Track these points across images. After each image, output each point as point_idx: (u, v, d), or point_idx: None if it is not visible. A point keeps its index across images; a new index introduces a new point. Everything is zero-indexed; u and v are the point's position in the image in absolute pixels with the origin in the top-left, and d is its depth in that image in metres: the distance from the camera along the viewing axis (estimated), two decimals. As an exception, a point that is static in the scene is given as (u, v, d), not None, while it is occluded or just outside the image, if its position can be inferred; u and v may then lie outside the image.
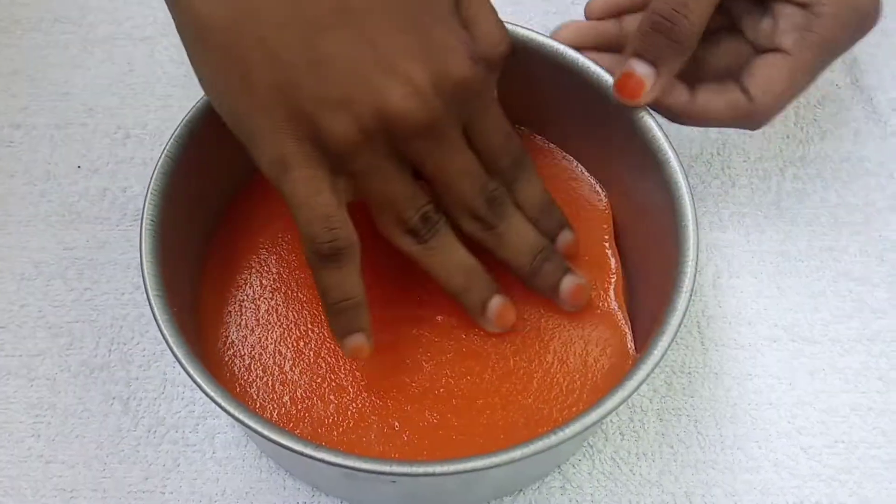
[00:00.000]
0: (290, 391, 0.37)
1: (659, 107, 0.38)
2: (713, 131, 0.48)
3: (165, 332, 0.33)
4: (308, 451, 0.31)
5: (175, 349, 0.33)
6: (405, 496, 0.38)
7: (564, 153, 0.43)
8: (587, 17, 0.42)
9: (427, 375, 0.37)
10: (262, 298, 0.39)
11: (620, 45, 0.41)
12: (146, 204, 0.35)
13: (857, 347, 0.43)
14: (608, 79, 0.38)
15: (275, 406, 0.37)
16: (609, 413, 0.32)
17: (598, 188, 0.42)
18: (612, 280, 0.40)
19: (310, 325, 0.39)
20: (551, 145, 0.43)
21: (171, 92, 0.49)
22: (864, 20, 0.37)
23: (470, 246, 0.36)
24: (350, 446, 0.36)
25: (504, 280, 0.38)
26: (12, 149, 0.48)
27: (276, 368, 0.38)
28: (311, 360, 0.38)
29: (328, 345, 0.38)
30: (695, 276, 0.34)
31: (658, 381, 0.42)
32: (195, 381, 0.32)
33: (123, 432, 0.41)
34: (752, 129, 0.39)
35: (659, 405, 0.42)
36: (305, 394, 0.37)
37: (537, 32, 0.39)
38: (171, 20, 0.34)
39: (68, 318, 0.44)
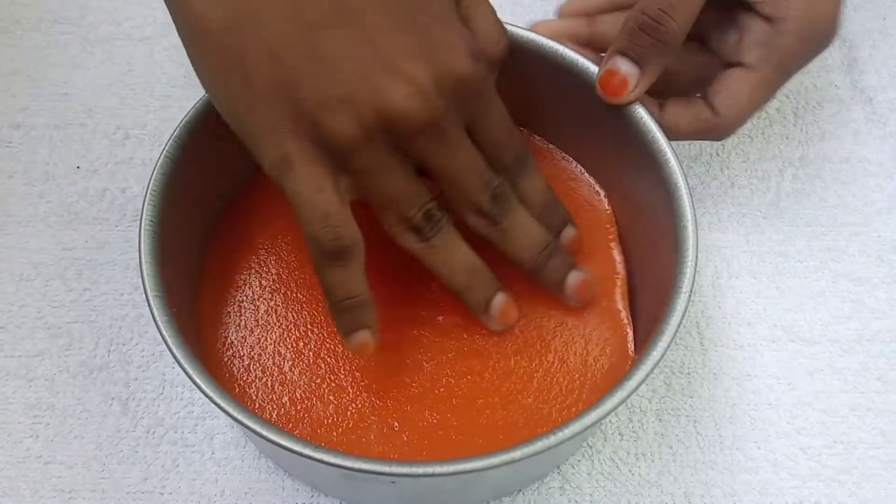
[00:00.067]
0: (289, 392, 0.37)
1: None
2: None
3: (164, 332, 0.33)
4: (307, 451, 0.31)
5: (174, 350, 0.33)
6: (404, 497, 0.38)
7: (564, 154, 0.43)
8: (560, 17, 0.43)
9: (427, 375, 0.37)
10: (261, 299, 0.39)
11: (592, 44, 0.41)
12: (145, 205, 0.35)
13: (856, 348, 0.43)
14: None
15: (274, 407, 0.37)
16: (608, 413, 0.32)
17: (597, 188, 0.42)
18: (618, 281, 0.40)
19: (309, 326, 0.39)
20: (550, 146, 0.43)
21: (171, 92, 0.49)
22: (822, 39, 0.38)
23: (473, 244, 0.36)
24: (349, 447, 0.36)
25: (506, 279, 0.38)
26: (11, 149, 0.48)
27: (276, 369, 0.38)
28: (311, 361, 0.38)
29: (328, 345, 0.38)
30: (694, 276, 0.34)
31: (657, 382, 0.42)
32: (194, 382, 0.32)
33: (122, 433, 0.41)
34: (718, 140, 0.40)
35: (658, 405, 0.42)
36: (305, 394, 0.37)
37: (536, 33, 0.39)
38: (171, 21, 0.34)
39: (67, 318, 0.44)
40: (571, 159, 0.42)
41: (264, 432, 0.31)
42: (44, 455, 0.41)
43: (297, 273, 0.40)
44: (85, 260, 0.45)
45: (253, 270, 0.40)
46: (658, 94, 0.39)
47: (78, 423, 0.41)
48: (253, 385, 0.37)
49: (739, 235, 0.45)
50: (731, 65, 0.38)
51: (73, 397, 0.42)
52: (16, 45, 0.51)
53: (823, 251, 0.45)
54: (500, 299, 0.37)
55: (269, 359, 0.38)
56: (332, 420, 0.36)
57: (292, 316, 0.39)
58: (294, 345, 0.38)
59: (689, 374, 0.42)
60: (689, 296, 0.34)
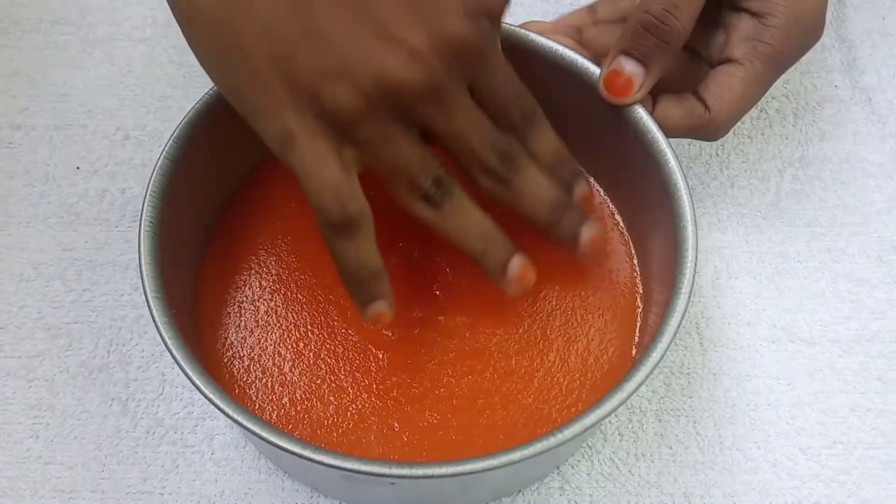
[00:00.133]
0: (289, 392, 0.37)
1: None
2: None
3: (164, 334, 0.33)
4: (307, 453, 0.31)
5: (174, 351, 0.33)
6: (404, 498, 0.38)
7: None
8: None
9: (428, 375, 0.37)
10: (261, 300, 0.39)
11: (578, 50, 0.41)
12: (144, 205, 0.35)
13: (855, 348, 0.43)
14: None
15: (274, 407, 0.37)
16: (608, 415, 0.32)
17: (597, 188, 0.42)
18: (626, 281, 0.40)
19: (309, 327, 0.39)
20: None
21: (171, 93, 0.49)
22: (809, 36, 0.39)
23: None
24: (350, 448, 0.36)
25: None
26: (11, 150, 0.48)
27: (276, 370, 0.38)
28: (311, 362, 0.38)
29: (328, 346, 0.38)
30: (693, 277, 0.34)
31: (657, 382, 0.42)
32: (194, 384, 0.32)
33: (122, 433, 0.41)
34: (711, 139, 0.39)
35: (658, 406, 0.42)
36: (305, 395, 0.37)
37: (535, 33, 0.39)
38: (171, 21, 0.34)
39: (67, 319, 0.44)
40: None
41: (264, 434, 0.31)
42: (44, 455, 0.41)
43: (297, 274, 0.40)
44: (85, 260, 0.45)
45: (253, 271, 0.40)
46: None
47: (78, 424, 0.41)
48: (253, 386, 0.37)
49: (739, 236, 0.45)
50: (720, 63, 0.38)
51: (73, 398, 0.42)
52: (15, 45, 0.51)
53: (823, 251, 0.45)
54: (516, 262, 0.36)
55: (269, 360, 0.38)
56: (333, 421, 0.37)
57: (292, 317, 0.39)
58: (294, 345, 0.38)
59: (688, 374, 0.42)
60: (689, 297, 0.34)
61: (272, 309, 0.39)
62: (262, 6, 0.31)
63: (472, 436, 0.36)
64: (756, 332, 0.43)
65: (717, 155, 0.48)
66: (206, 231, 0.40)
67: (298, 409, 0.37)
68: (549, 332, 0.38)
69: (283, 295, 0.39)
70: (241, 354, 0.38)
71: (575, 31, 0.42)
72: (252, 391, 0.37)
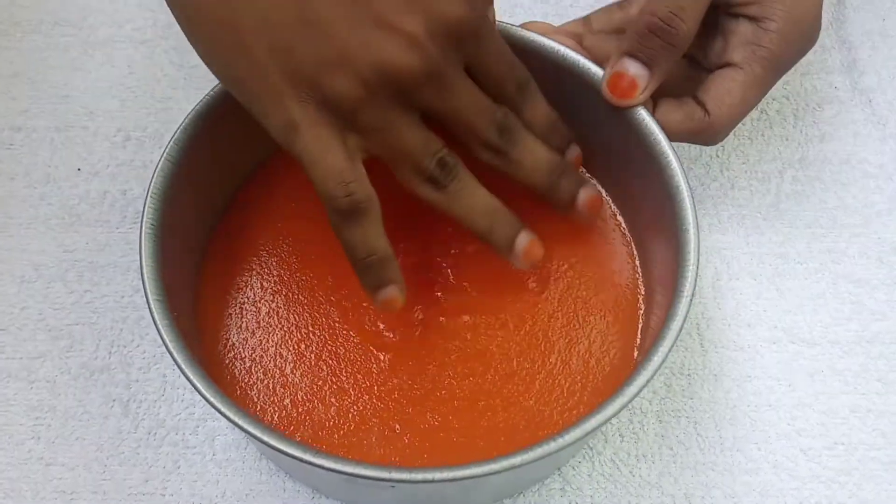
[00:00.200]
0: (290, 394, 0.37)
1: None
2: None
3: (165, 337, 0.33)
4: (307, 457, 0.31)
5: (175, 354, 0.33)
6: (404, 500, 0.38)
7: None
8: None
9: (429, 377, 0.37)
10: (262, 301, 0.39)
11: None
12: (146, 207, 0.35)
13: (856, 349, 0.43)
14: None
15: (276, 409, 0.37)
16: (609, 419, 0.32)
17: (599, 189, 0.42)
18: (629, 283, 0.40)
19: (311, 328, 0.39)
20: None
21: (171, 94, 0.49)
22: (807, 39, 0.39)
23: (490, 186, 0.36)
24: (351, 449, 0.36)
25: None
26: (12, 151, 0.48)
27: (277, 371, 0.38)
28: (313, 363, 0.38)
29: (329, 347, 0.38)
30: (695, 281, 0.34)
31: (657, 383, 0.42)
32: (196, 387, 0.32)
33: (123, 434, 0.41)
34: (711, 143, 0.39)
35: (658, 407, 0.42)
36: (306, 396, 0.37)
37: (536, 34, 0.39)
38: (172, 23, 0.34)
39: (68, 320, 0.44)
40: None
41: (265, 437, 0.31)
42: (45, 457, 0.41)
43: (298, 275, 0.40)
44: (86, 262, 0.45)
45: (254, 272, 0.40)
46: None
47: (79, 425, 0.41)
48: (254, 387, 0.37)
49: (739, 237, 0.45)
50: (718, 67, 0.38)
51: (75, 399, 0.42)
52: (16, 47, 0.51)
53: (823, 253, 0.45)
54: (523, 237, 0.37)
55: (270, 361, 0.38)
56: (334, 422, 0.37)
57: (294, 318, 0.39)
58: (296, 347, 0.38)
59: (689, 375, 0.42)
60: (691, 300, 0.34)
61: (273, 310, 0.39)
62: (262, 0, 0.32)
63: (474, 438, 0.36)
64: (756, 333, 0.43)
65: (718, 156, 0.48)
66: (207, 231, 0.40)
67: (300, 410, 0.37)
68: (550, 334, 0.38)
69: (285, 296, 0.39)
70: (243, 356, 0.38)
71: (574, 38, 0.42)
72: (254, 392, 0.37)
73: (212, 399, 0.32)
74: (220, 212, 0.41)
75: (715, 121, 0.38)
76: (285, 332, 0.39)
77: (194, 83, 0.50)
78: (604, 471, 0.40)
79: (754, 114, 0.48)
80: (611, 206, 0.42)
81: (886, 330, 0.43)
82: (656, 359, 0.33)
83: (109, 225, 0.46)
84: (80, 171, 0.47)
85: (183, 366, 0.32)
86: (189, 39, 0.34)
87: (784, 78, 0.40)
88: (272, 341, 0.38)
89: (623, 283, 0.40)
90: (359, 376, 0.37)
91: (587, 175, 0.42)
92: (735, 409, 0.42)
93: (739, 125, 0.42)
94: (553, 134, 0.38)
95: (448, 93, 0.34)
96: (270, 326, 0.39)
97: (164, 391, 0.42)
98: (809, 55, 0.40)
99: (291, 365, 0.38)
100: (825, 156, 0.47)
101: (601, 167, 0.42)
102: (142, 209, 0.35)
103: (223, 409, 0.32)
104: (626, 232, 0.41)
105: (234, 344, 0.38)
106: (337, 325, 0.39)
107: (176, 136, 0.36)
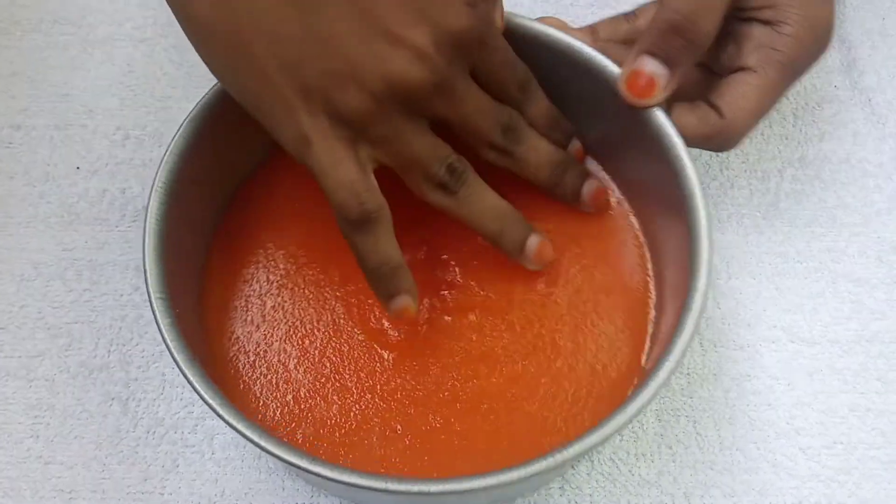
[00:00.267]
0: (293, 390, 0.37)
1: None
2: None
3: (166, 335, 0.33)
4: (304, 463, 0.31)
5: (175, 354, 0.32)
6: (403, 501, 0.38)
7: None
8: None
9: (433, 378, 0.37)
10: (268, 294, 0.39)
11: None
12: (150, 201, 0.35)
13: (855, 348, 0.43)
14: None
15: (278, 404, 0.37)
16: (609, 437, 0.31)
17: (613, 188, 0.41)
18: (639, 287, 0.39)
19: (315, 324, 0.38)
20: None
21: (171, 93, 0.49)
22: (821, 44, 0.38)
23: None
24: (351, 448, 0.36)
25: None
26: (12, 150, 0.48)
27: (281, 366, 0.37)
28: (316, 360, 0.38)
29: (333, 344, 0.38)
30: (706, 294, 0.33)
31: (657, 382, 0.42)
32: (195, 388, 0.32)
33: (122, 433, 0.41)
34: (724, 149, 0.39)
35: (657, 406, 0.42)
36: (309, 393, 0.37)
37: (553, 29, 0.38)
38: (172, 22, 0.34)
39: (67, 319, 0.44)
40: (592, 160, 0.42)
41: (262, 443, 0.31)
42: (44, 455, 0.41)
43: (304, 269, 0.39)
44: (85, 260, 0.45)
45: (261, 265, 0.40)
46: None
47: (78, 424, 0.41)
48: (257, 382, 0.37)
49: (739, 236, 0.45)
50: (732, 72, 0.38)
51: (74, 398, 0.42)
52: (16, 46, 0.51)
53: (823, 252, 0.45)
54: (533, 240, 0.37)
55: (274, 356, 0.38)
56: (336, 420, 0.36)
57: (299, 313, 0.39)
58: (300, 342, 0.38)
59: (688, 374, 0.42)
60: (699, 315, 0.33)
61: (279, 304, 0.39)
62: (269, 16, 0.32)
63: (475, 441, 0.36)
64: (756, 332, 0.43)
65: (717, 155, 0.48)
66: (213, 223, 0.40)
67: (302, 407, 0.37)
68: (557, 337, 0.38)
69: (291, 290, 0.39)
70: (247, 349, 0.38)
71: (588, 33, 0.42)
72: (256, 387, 0.37)
73: (211, 402, 0.32)
74: (227, 201, 0.41)
75: (730, 125, 0.37)
76: (290, 326, 0.38)
77: (194, 82, 0.50)
78: (603, 469, 0.40)
79: (754, 113, 0.48)
80: (625, 205, 0.41)
81: (886, 329, 0.43)
82: (661, 374, 0.32)
83: (108, 223, 0.46)
84: (79, 169, 0.47)
85: (183, 366, 0.32)
86: (200, 55, 0.34)
87: (783, 77, 0.40)
88: (276, 336, 0.38)
89: (634, 287, 0.39)
90: (362, 374, 0.37)
91: (603, 173, 0.41)
92: (734, 408, 0.42)
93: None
94: (555, 129, 0.39)
95: (456, 101, 0.34)
96: (275, 321, 0.38)
97: (163, 390, 0.42)
98: (809, 54, 0.40)
99: (295, 360, 0.38)
100: (825, 155, 0.47)
101: (615, 166, 0.41)
102: (147, 203, 0.35)
103: (223, 413, 0.31)
104: (640, 234, 0.40)
105: (238, 337, 0.38)
106: (342, 321, 0.38)
107: (182, 129, 0.36)
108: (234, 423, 0.31)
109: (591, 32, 0.41)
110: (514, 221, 0.37)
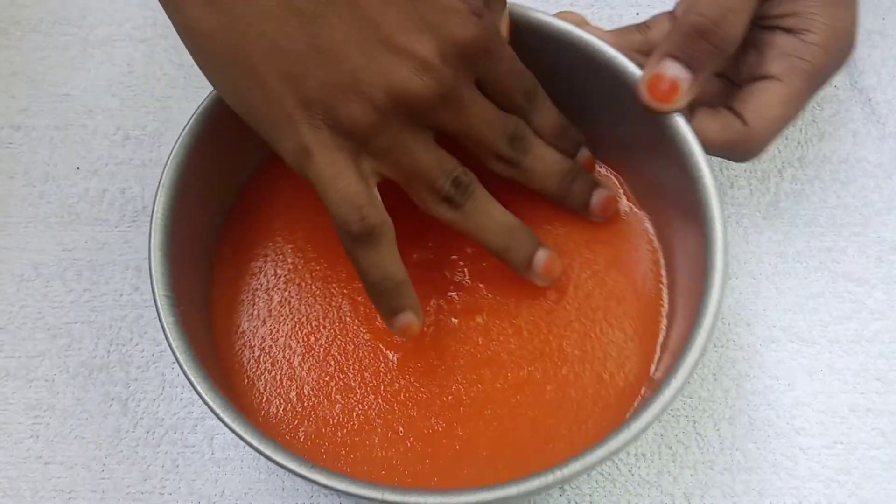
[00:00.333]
0: (297, 387, 0.37)
1: None
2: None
3: (170, 336, 0.33)
4: (302, 471, 0.31)
5: (178, 354, 0.32)
6: None
7: (604, 165, 0.41)
8: None
9: (437, 381, 0.37)
10: (275, 289, 0.39)
11: None
12: (157, 197, 0.35)
13: (855, 348, 0.43)
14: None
15: (281, 401, 0.37)
16: (611, 456, 0.31)
17: (627, 192, 0.40)
18: (661, 298, 0.38)
19: (321, 321, 0.38)
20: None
21: (171, 93, 0.49)
22: (845, 53, 0.37)
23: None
24: (353, 448, 0.36)
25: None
26: (12, 150, 0.48)
27: (285, 363, 0.37)
28: (321, 358, 0.37)
29: (338, 342, 0.38)
30: (718, 312, 0.33)
31: (657, 382, 0.42)
32: (196, 390, 0.32)
33: (122, 433, 0.41)
34: (746, 158, 0.38)
35: (657, 406, 0.42)
36: (312, 391, 0.37)
37: (572, 25, 0.37)
38: (171, 22, 0.34)
39: (67, 319, 0.44)
40: (608, 168, 0.41)
41: (262, 448, 0.31)
42: (44, 455, 0.41)
43: (312, 264, 0.39)
44: (85, 261, 0.45)
45: (269, 258, 0.39)
46: None
47: (78, 424, 0.41)
48: (262, 377, 0.37)
49: (738, 236, 0.45)
50: (753, 81, 0.37)
51: (73, 398, 0.42)
52: (16, 46, 0.51)
53: (822, 251, 0.45)
54: (541, 255, 0.37)
55: (279, 352, 0.37)
56: (338, 420, 0.36)
57: (305, 308, 0.38)
58: (305, 339, 0.38)
59: (688, 374, 0.42)
60: (711, 332, 0.32)
61: (286, 299, 0.38)
62: (270, 26, 0.32)
63: (477, 447, 0.36)
64: (755, 331, 0.43)
65: (717, 155, 0.48)
66: (223, 214, 0.40)
67: (305, 404, 0.37)
68: (565, 344, 0.37)
69: (298, 285, 0.39)
70: (252, 344, 0.38)
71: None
72: (260, 383, 0.37)
73: (213, 405, 0.32)
74: (236, 196, 0.40)
75: (753, 133, 0.36)
76: (296, 322, 0.38)
77: (193, 82, 0.50)
78: (602, 469, 0.40)
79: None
80: (639, 211, 0.40)
81: (886, 329, 0.43)
82: (668, 393, 0.31)
83: (108, 223, 0.46)
84: (79, 169, 0.47)
85: (186, 367, 0.32)
86: (198, 65, 0.34)
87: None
88: (282, 331, 0.38)
89: (647, 295, 0.38)
90: (366, 374, 0.37)
91: (616, 178, 0.41)
92: (734, 409, 0.42)
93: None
94: (563, 138, 0.38)
95: (461, 111, 0.34)
96: (282, 316, 0.38)
97: (162, 390, 0.42)
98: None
99: (300, 357, 0.37)
100: (824, 155, 0.47)
101: (630, 169, 0.40)
102: (153, 198, 0.35)
103: (225, 417, 0.31)
104: (655, 239, 0.39)
105: (244, 331, 0.38)
106: (348, 319, 0.38)
107: (191, 123, 0.36)
108: (243, 433, 0.31)
109: None
110: (522, 236, 0.36)
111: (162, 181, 0.35)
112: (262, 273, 0.39)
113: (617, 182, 0.41)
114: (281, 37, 0.31)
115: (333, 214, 0.33)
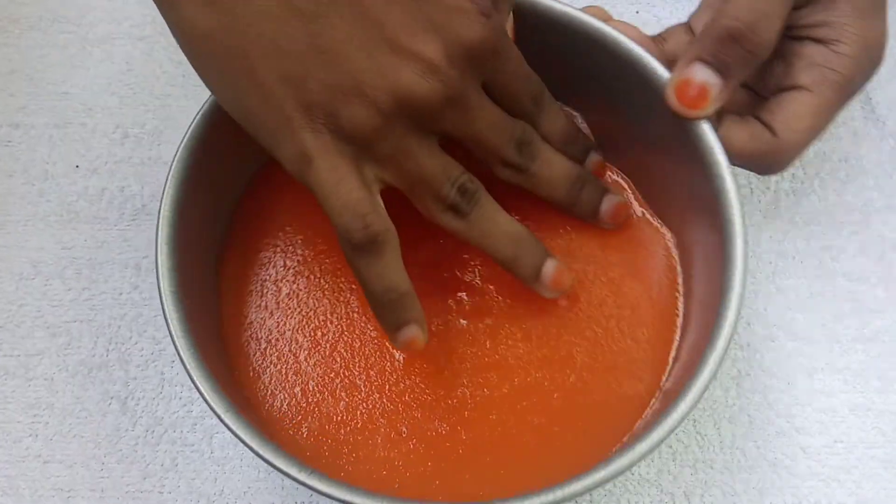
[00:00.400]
0: (302, 382, 0.36)
1: None
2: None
3: (174, 332, 0.33)
4: (301, 476, 0.30)
5: (181, 352, 0.32)
6: None
7: (620, 173, 0.40)
8: None
9: (443, 383, 0.36)
10: (284, 280, 0.38)
11: None
12: (166, 188, 0.35)
13: (855, 347, 0.43)
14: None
15: (286, 395, 0.36)
16: (614, 477, 0.30)
17: (641, 198, 0.40)
18: (676, 306, 0.38)
19: (329, 316, 0.38)
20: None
21: (170, 91, 0.49)
22: (875, 64, 0.36)
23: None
24: (356, 447, 0.35)
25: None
26: (11, 148, 0.48)
27: (291, 357, 0.37)
28: (327, 353, 0.37)
29: (345, 338, 0.37)
30: (733, 333, 0.32)
31: (657, 381, 0.42)
32: (194, 383, 0.32)
33: (121, 432, 0.41)
34: (772, 171, 0.37)
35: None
36: (317, 387, 0.36)
37: (600, 22, 0.36)
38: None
39: (66, 317, 0.44)
40: (624, 177, 0.40)
41: (262, 452, 0.31)
42: (43, 454, 0.41)
43: (322, 256, 0.38)
44: (84, 259, 0.45)
45: (279, 248, 0.39)
46: None
47: (77, 422, 0.41)
48: (267, 370, 0.37)
49: (738, 235, 0.45)
50: (781, 91, 0.36)
51: (73, 396, 0.42)
52: (14, 44, 0.51)
53: (822, 250, 0.45)
54: (550, 266, 0.35)
55: (285, 345, 0.37)
56: (342, 417, 0.36)
57: (313, 302, 0.38)
58: (312, 334, 0.37)
59: (688, 373, 0.42)
60: (724, 353, 0.32)
61: (294, 292, 0.38)
62: (270, 26, 0.30)
63: (481, 452, 0.35)
64: (755, 330, 0.43)
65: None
66: (232, 204, 0.39)
67: (309, 400, 0.36)
68: (574, 351, 0.37)
69: (307, 278, 0.38)
70: (259, 336, 0.37)
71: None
72: (266, 376, 0.37)
73: (213, 405, 0.32)
74: (245, 186, 0.40)
75: (783, 144, 0.35)
76: (303, 316, 0.38)
77: (193, 80, 0.49)
78: (603, 468, 0.40)
79: (753, 112, 0.48)
80: (655, 218, 0.39)
81: (885, 328, 0.43)
82: (676, 415, 0.31)
83: (108, 222, 0.46)
84: (78, 167, 0.47)
85: (189, 366, 0.32)
86: (195, 68, 0.32)
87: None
88: (289, 325, 0.37)
89: (662, 302, 0.37)
90: (371, 373, 0.37)
91: (627, 183, 0.40)
92: (733, 408, 0.42)
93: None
94: (572, 143, 0.37)
95: (468, 116, 0.33)
96: (289, 308, 0.38)
97: (161, 388, 0.42)
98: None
99: (306, 352, 0.37)
100: (824, 153, 0.47)
101: (646, 173, 0.39)
102: (161, 192, 0.35)
103: (226, 420, 0.31)
104: (672, 247, 0.39)
105: (251, 322, 0.37)
106: (356, 315, 0.37)
107: (199, 116, 0.36)
108: (237, 429, 0.31)
109: None
110: (530, 246, 0.35)
111: (171, 172, 0.35)
112: (272, 264, 0.38)
113: (628, 187, 0.40)
114: (281, 37, 0.30)
115: (335, 223, 0.32)
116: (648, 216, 0.39)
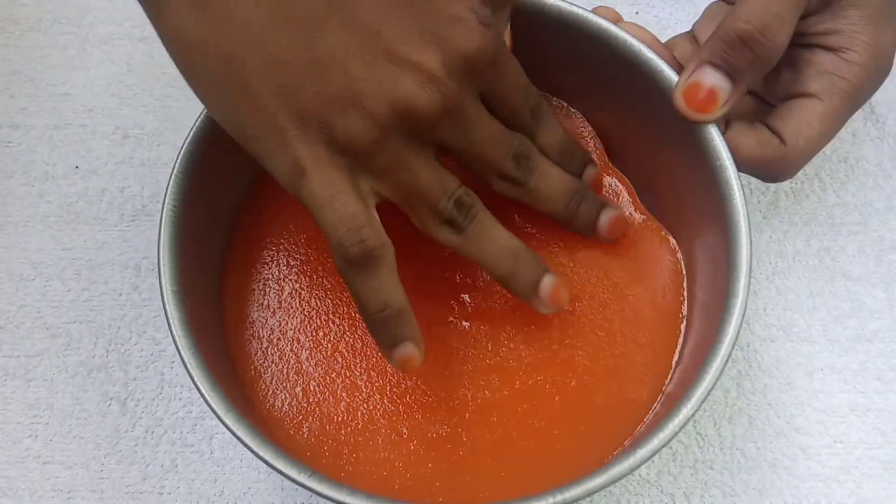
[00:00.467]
0: (303, 382, 0.36)
1: None
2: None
3: (175, 332, 0.33)
4: (302, 479, 0.30)
5: (182, 352, 0.32)
6: None
7: (619, 174, 0.40)
8: None
9: (444, 385, 0.36)
10: (286, 279, 0.38)
11: None
12: (169, 185, 0.34)
13: (855, 347, 0.43)
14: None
15: (287, 395, 0.36)
16: (615, 481, 0.30)
17: (647, 202, 0.39)
18: (681, 310, 0.38)
19: (331, 316, 0.37)
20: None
21: (170, 92, 0.49)
22: (884, 73, 0.36)
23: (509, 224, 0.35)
24: (356, 447, 0.35)
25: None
26: (11, 149, 0.48)
27: (293, 356, 0.37)
28: (328, 354, 0.37)
29: (346, 339, 0.37)
30: (734, 341, 0.32)
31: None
32: (199, 390, 0.32)
33: (121, 433, 0.41)
34: (778, 178, 0.36)
35: (657, 405, 0.42)
36: (318, 387, 0.36)
37: (610, 22, 0.36)
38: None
39: (66, 318, 0.44)
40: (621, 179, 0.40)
41: (262, 453, 0.31)
42: (43, 455, 0.41)
43: (324, 255, 0.38)
44: (84, 260, 0.45)
45: (282, 247, 0.39)
46: None
47: (77, 423, 0.41)
48: (269, 370, 0.37)
49: (738, 235, 0.45)
50: (790, 98, 0.36)
51: (72, 397, 0.42)
52: (15, 45, 0.51)
53: (822, 251, 0.45)
54: (547, 281, 0.35)
55: (287, 345, 0.37)
56: (343, 418, 0.36)
57: (315, 302, 0.38)
58: (313, 334, 0.37)
59: (688, 373, 0.42)
60: (727, 360, 0.32)
61: (296, 291, 0.38)
62: (264, 36, 0.30)
63: (481, 454, 0.35)
64: (755, 331, 0.43)
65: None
66: (236, 202, 0.39)
67: (310, 400, 0.36)
68: (576, 354, 0.36)
69: (309, 277, 0.38)
70: (261, 335, 0.37)
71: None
72: (267, 375, 0.36)
73: (216, 408, 0.31)
74: (249, 183, 0.40)
75: (791, 152, 0.35)
76: (305, 316, 0.37)
77: (193, 81, 0.50)
78: (602, 469, 0.40)
79: (753, 112, 0.48)
80: (656, 222, 0.39)
81: (885, 328, 0.43)
82: (678, 420, 0.31)
83: (107, 223, 0.46)
84: (78, 168, 0.47)
85: (189, 366, 0.32)
86: (185, 77, 0.32)
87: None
88: (291, 324, 0.37)
89: (666, 307, 0.37)
90: (372, 374, 0.36)
91: (625, 187, 0.39)
92: (733, 408, 0.42)
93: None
94: (569, 156, 0.37)
95: (466, 128, 0.32)
96: (291, 308, 0.37)
97: (161, 389, 0.42)
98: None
99: (307, 352, 0.37)
100: (823, 154, 0.47)
101: (649, 175, 0.39)
102: (164, 190, 0.35)
103: (227, 421, 0.31)
104: (678, 251, 0.38)
105: (253, 321, 0.37)
106: (357, 315, 0.37)
107: (199, 121, 0.36)
108: (237, 431, 0.31)
109: None
110: (527, 261, 0.34)
111: (174, 171, 0.35)
112: (274, 262, 0.38)
113: (626, 191, 0.39)
114: (277, 48, 0.30)
115: (329, 236, 0.31)
116: (653, 220, 0.39)
